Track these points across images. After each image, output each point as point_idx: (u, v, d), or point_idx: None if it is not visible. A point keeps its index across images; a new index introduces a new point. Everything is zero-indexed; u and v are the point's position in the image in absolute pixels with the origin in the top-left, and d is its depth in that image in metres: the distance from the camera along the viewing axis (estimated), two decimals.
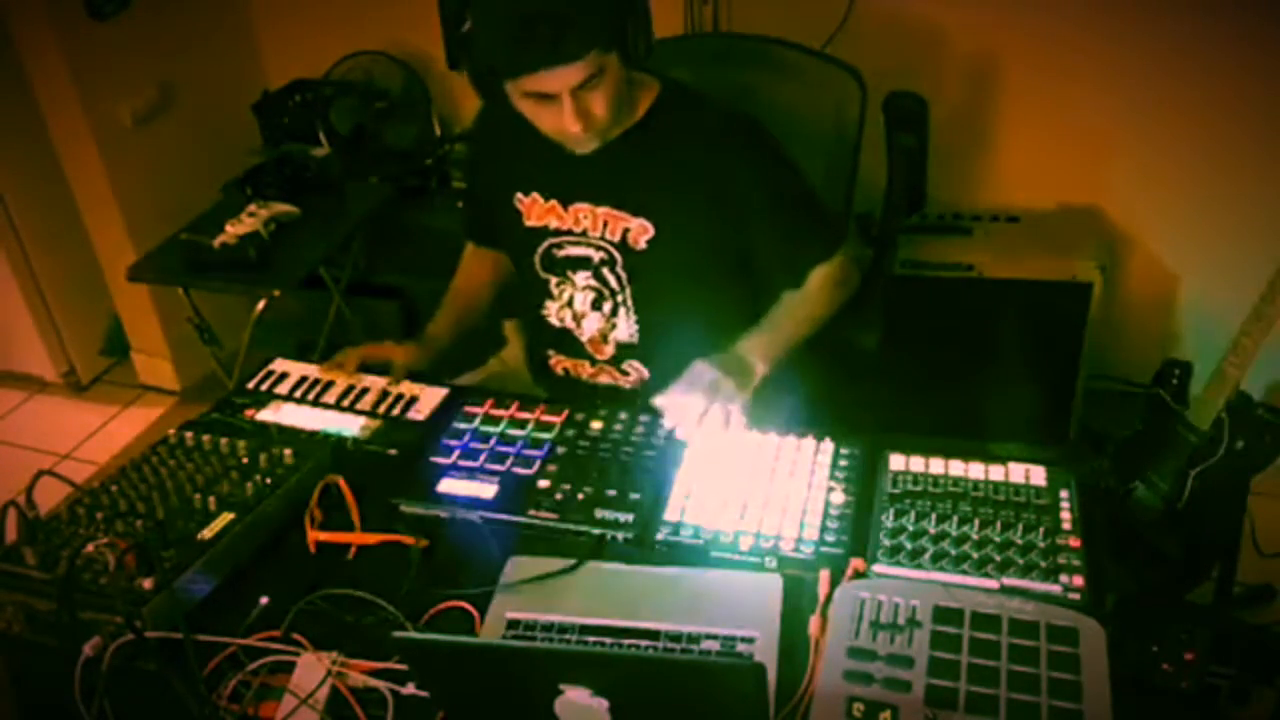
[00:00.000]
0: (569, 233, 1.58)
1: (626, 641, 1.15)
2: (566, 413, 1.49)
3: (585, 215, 1.56)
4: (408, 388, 1.58)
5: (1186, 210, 2.51)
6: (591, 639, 1.15)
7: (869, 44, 2.34)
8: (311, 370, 1.62)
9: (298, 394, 1.58)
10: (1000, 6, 2.41)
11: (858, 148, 1.82)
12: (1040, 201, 2.58)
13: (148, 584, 1.15)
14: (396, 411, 1.53)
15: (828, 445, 1.41)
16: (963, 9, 2.43)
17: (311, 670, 1.12)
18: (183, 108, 2.86)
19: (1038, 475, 1.33)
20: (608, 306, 1.62)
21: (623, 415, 1.48)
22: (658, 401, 1.41)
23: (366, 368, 1.62)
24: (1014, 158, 2.59)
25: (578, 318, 1.64)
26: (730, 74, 1.84)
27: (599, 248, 1.57)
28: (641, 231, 1.54)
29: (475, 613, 1.20)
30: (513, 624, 1.18)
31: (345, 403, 1.55)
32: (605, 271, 1.59)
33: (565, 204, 1.57)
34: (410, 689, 1.10)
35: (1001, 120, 2.55)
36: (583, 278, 1.61)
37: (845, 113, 1.80)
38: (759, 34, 1.94)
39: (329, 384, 1.59)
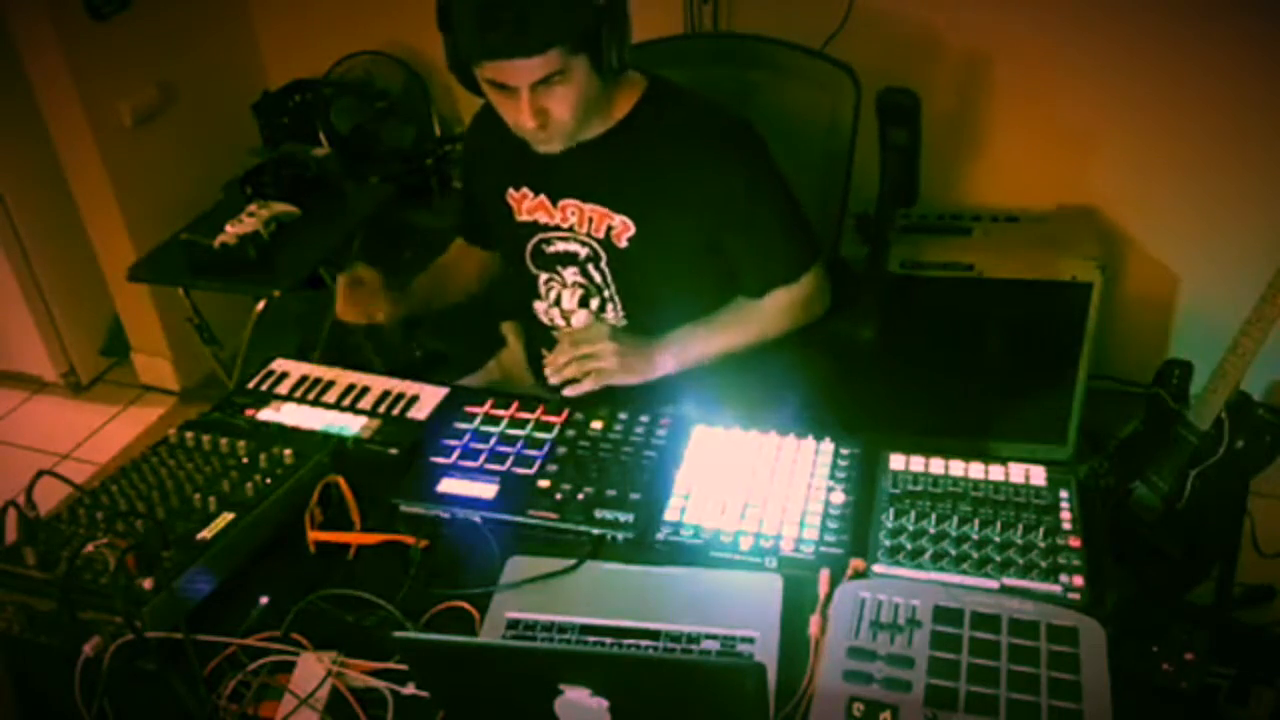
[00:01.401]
0: (556, 228, 1.59)
1: (626, 641, 1.15)
2: (566, 413, 1.49)
3: (573, 211, 1.57)
4: (408, 387, 1.58)
5: (1186, 210, 2.51)
6: (591, 639, 1.15)
7: (868, 44, 2.34)
8: (312, 370, 1.62)
9: (298, 394, 1.58)
10: (1000, 7, 2.41)
11: (853, 146, 1.82)
12: (1040, 201, 2.58)
13: (148, 584, 1.15)
14: (396, 411, 1.53)
15: (828, 445, 1.41)
16: (963, 9, 2.43)
17: (311, 670, 1.12)
18: (183, 108, 2.86)
19: (1038, 475, 1.33)
20: (595, 303, 1.62)
21: (622, 415, 1.48)
22: (563, 332, 1.54)
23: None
24: (1014, 157, 2.59)
25: (566, 315, 1.64)
26: (730, 74, 1.84)
27: (584, 244, 1.58)
28: (624, 229, 1.54)
29: (475, 613, 1.20)
30: (513, 624, 1.18)
31: (345, 402, 1.55)
32: (591, 268, 1.59)
33: (554, 200, 1.58)
34: (410, 689, 1.10)
35: (1001, 120, 2.55)
36: (570, 274, 1.61)
37: (841, 112, 1.80)
38: (759, 34, 1.94)
39: (329, 384, 1.59)
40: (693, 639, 1.15)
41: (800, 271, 1.58)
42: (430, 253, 1.80)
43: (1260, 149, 2.39)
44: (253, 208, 2.39)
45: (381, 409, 1.54)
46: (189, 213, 2.51)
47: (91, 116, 2.64)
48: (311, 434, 1.49)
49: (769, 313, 1.60)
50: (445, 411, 1.53)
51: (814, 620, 1.15)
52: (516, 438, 1.45)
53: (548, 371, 1.53)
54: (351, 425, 1.50)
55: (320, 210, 2.50)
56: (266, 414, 1.53)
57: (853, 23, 2.41)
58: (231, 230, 2.30)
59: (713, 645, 1.14)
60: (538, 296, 1.66)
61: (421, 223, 2.70)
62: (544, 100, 1.38)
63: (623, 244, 1.55)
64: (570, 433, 1.45)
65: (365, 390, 1.58)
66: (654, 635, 1.15)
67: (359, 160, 2.77)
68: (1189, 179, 2.48)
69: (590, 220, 1.56)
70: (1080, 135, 2.50)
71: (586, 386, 1.52)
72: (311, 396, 1.57)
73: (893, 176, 2.11)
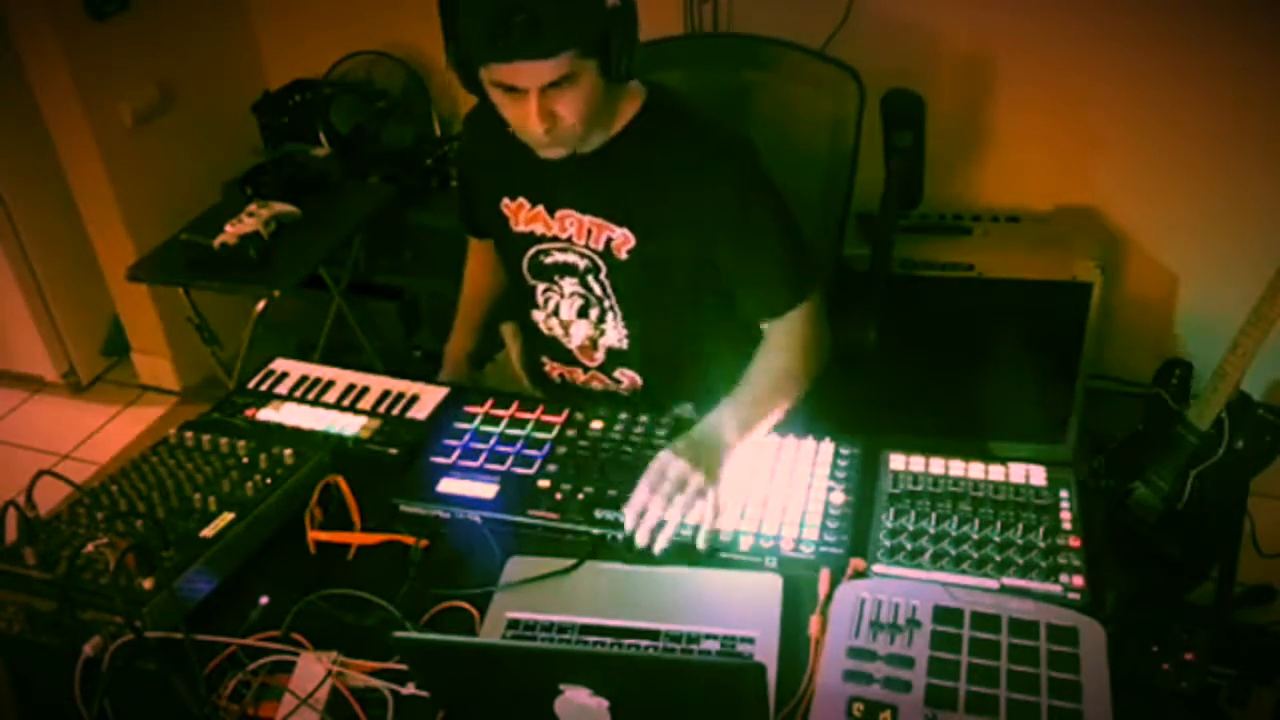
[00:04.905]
0: (555, 239, 1.57)
1: (626, 641, 1.15)
2: (566, 413, 1.49)
3: (571, 222, 1.54)
4: (408, 387, 1.58)
5: (1186, 210, 2.51)
6: (591, 639, 1.15)
7: (869, 44, 2.34)
8: (312, 370, 1.62)
9: (298, 394, 1.58)
10: (1000, 6, 2.41)
11: (856, 147, 1.82)
12: (1040, 201, 2.58)
13: (148, 584, 1.15)
14: (396, 411, 1.53)
15: (828, 445, 1.41)
16: (963, 9, 2.43)
17: (311, 670, 1.12)
18: (183, 108, 2.86)
19: (1038, 475, 1.33)
20: (594, 313, 1.60)
21: (623, 415, 1.48)
22: (626, 509, 1.30)
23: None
24: (1014, 157, 2.59)
25: (564, 325, 1.63)
26: (730, 74, 1.84)
27: (583, 255, 1.56)
28: (623, 241, 1.52)
29: (475, 613, 1.20)
30: (513, 624, 1.18)
31: (345, 403, 1.55)
32: (590, 279, 1.57)
33: (551, 210, 1.55)
34: (410, 689, 1.10)
35: (1001, 120, 2.55)
36: (569, 284, 1.59)
37: (844, 113, 1.80)
38: (759, 34, 1.94)
39: (329, 384, 1.59)
40: (693, 639, 1.15)
41: (798, 296, 1.51)
42: (430, 253, 1.79)
43: (1260, 149, 2.39)
44: (253, 208, 2.39)
45: (381, 409, 1.54)
46: (189, 213, 2.51)
47: (91, 116, 2.64)
48: (311, 434, 1.49)
49: (791, 364, 1.50)
50: (445, 411, 1.53)
51: (814, 620, 1.15)
52: (516, 438, 1.45)
53: (639, 538, 1.28)
54: (351, 425, 1.50)
55: (320, 210, 2.50)
56: (266, 414, 1.53)
57: (852, 22, 2.41)
58: (231, 230, 2.31)
59: (713, 645, 1.14)
60: (536, 306, 1.65)
61: (421, 223, 2.70)
62: (552, 103, 1.36)
63: (623, 256, 1.53)
64: (570, 433, 1.45)
65: (365, 390, 1.58)
66: (654, 635, 1.15)
67: (359, 160, 2.78)
68: (1189, 179, 2.48)
69: (589, 232, 1.54)
70: (1081, 135, 2.50)
71: (707, 517, 1.29)
72: (311, 396, 1.57)
73: (897, 178, 2.11)
